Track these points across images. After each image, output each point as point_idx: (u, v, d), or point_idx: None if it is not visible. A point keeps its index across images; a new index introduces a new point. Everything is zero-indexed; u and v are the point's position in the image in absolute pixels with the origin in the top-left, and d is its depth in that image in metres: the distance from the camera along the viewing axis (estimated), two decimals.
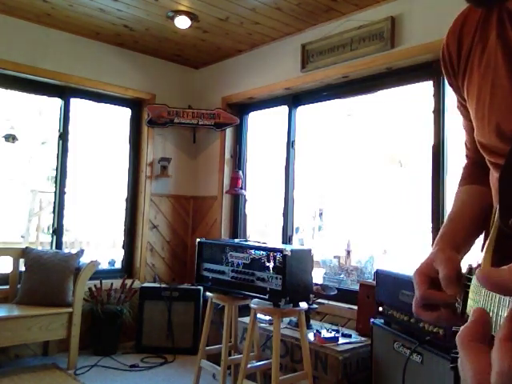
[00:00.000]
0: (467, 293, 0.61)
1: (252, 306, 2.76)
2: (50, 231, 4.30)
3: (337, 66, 3.55)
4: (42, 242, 6.72)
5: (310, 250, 2.81)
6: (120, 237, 4.66)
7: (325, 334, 2.88)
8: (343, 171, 5.54)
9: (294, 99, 4.08)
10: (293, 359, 2.94)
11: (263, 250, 2.79)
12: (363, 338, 2.91)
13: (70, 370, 3.49)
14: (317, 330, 2.92)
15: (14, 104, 6.14)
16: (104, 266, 4.42)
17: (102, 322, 3.87)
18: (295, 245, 4.20)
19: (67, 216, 4.22)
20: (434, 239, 2.98)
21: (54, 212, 4.16)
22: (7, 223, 7.10)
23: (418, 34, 3.09)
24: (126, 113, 4.60)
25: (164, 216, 4.62)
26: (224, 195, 4.45)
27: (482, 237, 0.84)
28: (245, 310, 3.19)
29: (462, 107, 0.87)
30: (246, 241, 3.27)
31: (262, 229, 5.84)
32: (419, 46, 3.07)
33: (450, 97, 3.01)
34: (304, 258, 2.74)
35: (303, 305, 2.73)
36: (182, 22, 3.65)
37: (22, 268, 3.72)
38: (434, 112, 3.11)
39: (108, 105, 4.46)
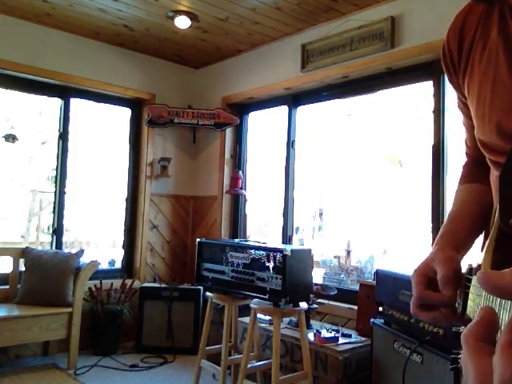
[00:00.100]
0: (467, 293, 0.60)
1: (252, 305, 2.76)
2: (50, 231, 4.30)
3: (337, 66, 3.55)
4: (42, 241, 6.71)
5: (310, 250, 2.81)
6: (120, 237, 4.65)
7: (325, 333, 2.88)
8: (343, 171, 5.54)
9: (294, 99, 4.08)
10: (293, 359, 2.94)
11: (263, 250, 2.79)
12: (363, 338, 2.91)
13: (70, 370, 3.49)
14: (317, 330, 2.92)
15: (14, 104, 6.13)
16: (104, 265, 4.42)
17: (102, 322, 3.87)
18: (295, 245, 4.20)
19: (67, 216, 4.22)
20: (434, 239, 2.98)
21: (53, 212, 4.16)
22: (7, 223, 7.10)
23: (418, 33, 3.08)
24: (125, 113, 4.60)
25: (164, 216, 4.62)
26: (224, 195, 4.45)
27: (481, 237, 0.83)
28: (245, 310, 3.18)
29: (463, 105, 0.86)
30: (246, 241, 3.27)
31: (262, 229, 5.84)
32: (419, 45, 3.07)
33: (450, 97, 3.01)
34: (304, 258, 2.74)
35: (303, 305, 2.73)
36: (182, 22, 3.65)
37: (22, 268, 3.72)
38: (433, 112, 3.11)
39: (108, 105, 4.46)
